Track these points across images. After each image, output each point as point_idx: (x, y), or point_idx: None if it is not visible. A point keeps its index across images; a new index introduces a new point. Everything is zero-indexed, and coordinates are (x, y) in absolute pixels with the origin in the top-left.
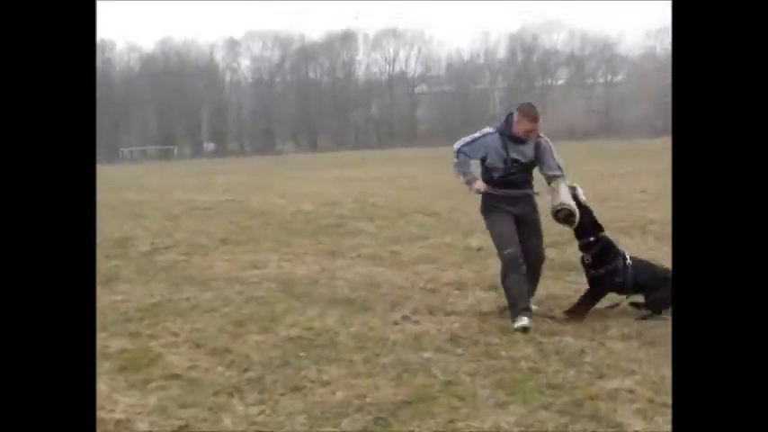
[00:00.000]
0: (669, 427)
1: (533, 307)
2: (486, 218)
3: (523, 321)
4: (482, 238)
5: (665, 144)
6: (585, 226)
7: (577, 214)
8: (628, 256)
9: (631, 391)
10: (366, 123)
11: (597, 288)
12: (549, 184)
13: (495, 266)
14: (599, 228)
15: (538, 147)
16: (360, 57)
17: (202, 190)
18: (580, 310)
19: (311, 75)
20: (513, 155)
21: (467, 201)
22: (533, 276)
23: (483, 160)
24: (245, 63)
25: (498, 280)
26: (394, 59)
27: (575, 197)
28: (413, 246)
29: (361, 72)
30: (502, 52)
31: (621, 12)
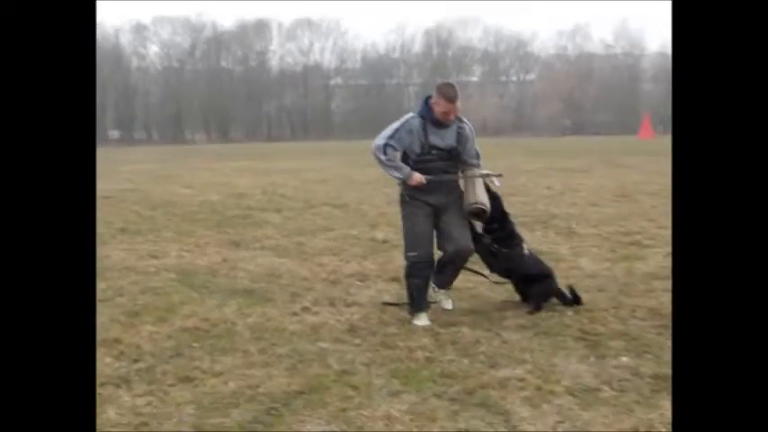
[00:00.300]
0: (555, 413)
1: (447, 304)
2: (401, 209)
3: (421, 320)
4: (387, 231)
5: (572, 142)
6: (494, 214)
7: (489, 212)
8: (526, 248)
9: (521, 380)
10: (279, 115)
11: (492, 261)
12: (463, 171)
13: (398, 258)
14: (506, 215)
15: (461, 133)
16: (274, 47)
17: (103, 178)
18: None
19: (223, 63)
20: (433, 139)
21: (375, 193)
22: (452, 268)
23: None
24: (153, 49)
25: (401, 273)
26: (309, 51)
27: (487, 186)
28: (318, 237)
29: (274, 62)
30: (417, 47)
31: (535, 11)
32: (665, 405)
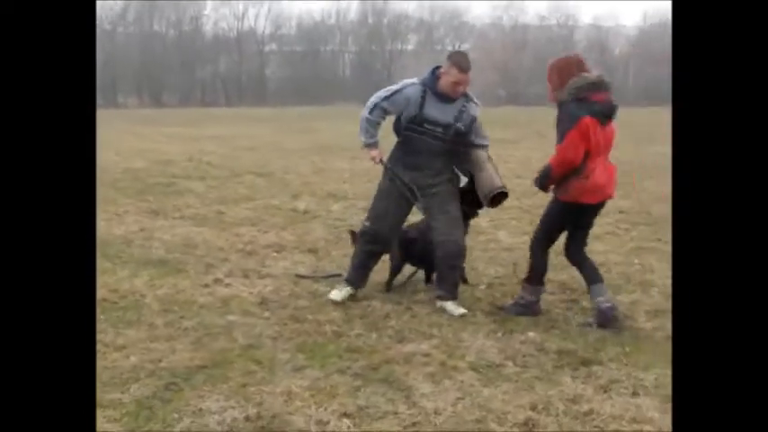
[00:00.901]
0: (456, 389)
1: (458, 310)
2: (381, 178)
3: (334, 294)
4: (309, 201)
5: (506, 113)
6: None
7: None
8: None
9: (426, 355)
10: (214, 80)
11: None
12: (475, 157)
13: (318, 230)
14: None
15: (464, 111)
16: (207, 11)
17: None
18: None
19: (156, 27)
20: (430, 112)
21: (302, 161)
22: (447, 269)
23: (398, 116)
24: None
25: (321, 244)
26: (243, 16)
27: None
28: (238, 207)
29: (209, 27)
30: (353, 14)
31: None
32: (566, 381)
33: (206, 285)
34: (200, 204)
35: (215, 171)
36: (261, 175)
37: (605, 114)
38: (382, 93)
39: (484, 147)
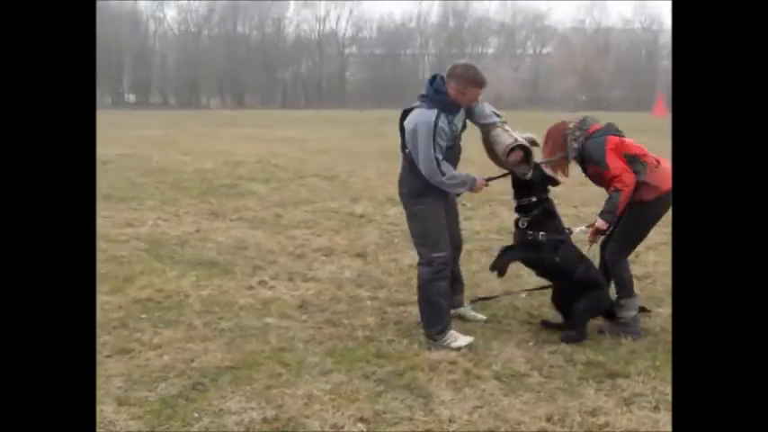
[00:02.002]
0: (475, 398)
1: (480, 315)
2: (415, 204)
3: (461, 340)
4: (367, 205)
5: None
6: (533, 182)
7: (532, 160)
8: (568, 234)
9: (453, 363)
10: (294, 82)
11: (519, 252)
12: (486, 135)
13: (370, 234)
14: (546, 187)
15: (468, 107)
16: (290, 14)
17: (108, 143)
18: (500, 265)
19: (240, 29)
20: (457, 124)
21: (369, 165)
22: (458, 268)
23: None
24: (170, 13)
25: (370, 249)
26: (325, 18)
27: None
28: (297, 210)
29: (291, 29)
30: (434, 17)
31: None
32: (589, 393)
33: (250, 287)
34: (260, 207)
35: (281, 173)
36: (325, 178)
37: (615, 131)
38: (429, 154)
39: (495, 123)
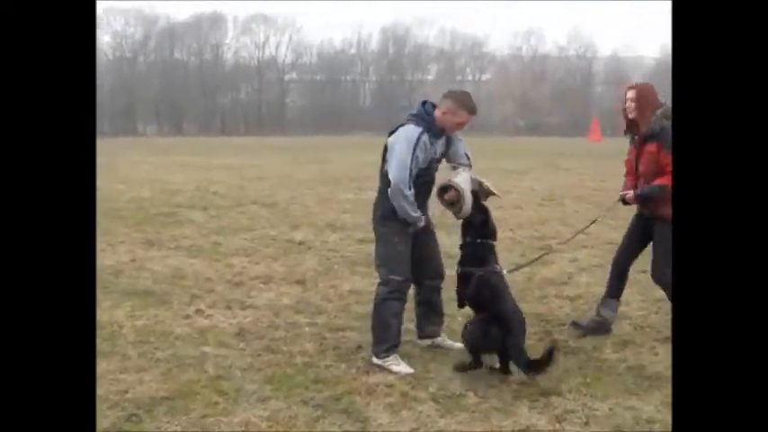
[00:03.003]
0: (412, 420)
1: (452, 344)
2: (381, 227)
3: (403, 367)
4: (307, 232)
5: (522, 143)
6: (474, 224)
7: (465, 202)
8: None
9: (390, 386)
10: (234, 108)
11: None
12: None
13: (309, 261)
14: (487, 232)
15: (450, 137)
16: (228, 40)
17: None
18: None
19: (177, 55)
20: (438, 149)
21: (309, 192)
22: (439, 297)
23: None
24: (105, 39)
25: (309, 275)
26: (264, 44)
27: (475, 193)
28: (236, 237)
29: (229, 55)
30: (374, 44)
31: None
32: (523, 412)
33: (186, 316)
34: (198, 234)
35: (219, 201)
36: (265, 205)
37: None
38: (405, 160)
39: (462, 164)
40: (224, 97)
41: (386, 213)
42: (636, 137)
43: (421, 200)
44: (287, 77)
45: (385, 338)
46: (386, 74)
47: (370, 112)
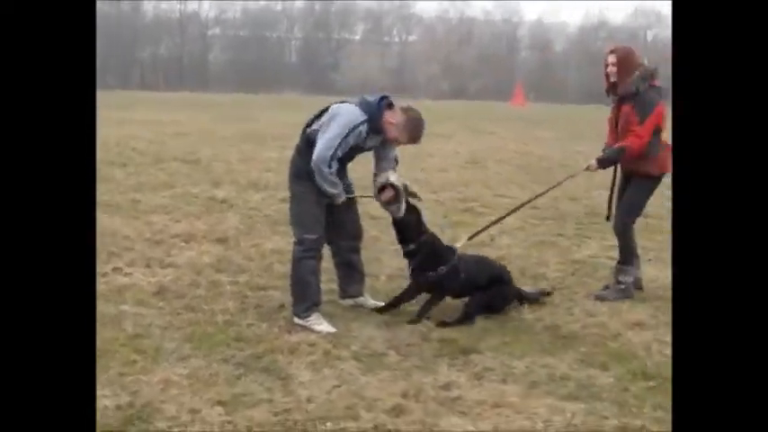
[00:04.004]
0: (334, 378)
1: (373, 302)
2: (295, 186)
3: (324, 325)
4: (230, 189)
5: (447, 106)
6: (408, 225)
7: (403, 200)
8: (456, 256)
9: (312, 345)
10: (154, 63)
11: (440, 290)
12: (375, 175)
13: (231, 219)
14: (421, 232)
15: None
16: None
17: None
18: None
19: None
20: (368, 144)
21: (231, 150)
22: (358, 257)
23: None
24: None
25: (231, 234)
26: None
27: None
28: (156, 195)
29: (150, 7)
30: (300, 1)
31: None
32: (443, 369)
33: (104, 274)
34: (117, 191)
35: (139, 157)
36: (186, 162)
37: (664, 95)
38: (332, 139)
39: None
40: (143, 51)
41: (300, 172)
42: (615, 97)
43: (341, 171)
44: (210, 32)
45: (305, 297)
46: (312, 31)
47: (296, 70)
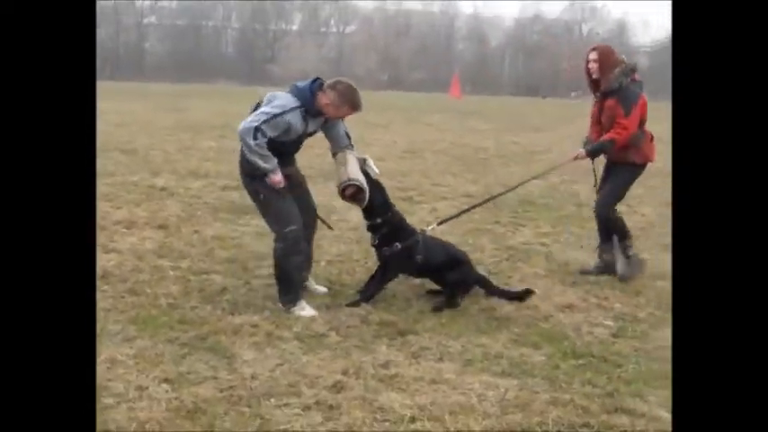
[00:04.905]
0: (277, 357)
1: (317, 287)
2: (252, 183)
3: (307, 310)
4: (168, 178)
5: (385, 97)
6: (375, 204)
7: (367, 191)
8: (419, 236)
9: (255, 326)
10: None
11: (388, 270)
12: (334, 155)
13: (172, 207)
14: (388, 206)
15: (328, 121)
16: None
17: None
18: (368, 294)
19: None
20: (310, 128)
21: (169, 139)
22: (310, 246)
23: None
24: None
25: (172, 221)
26: None
27: (364, 171)
28: (97, 182)
29: None
30: None
31: None
32: (382, 349)
33: None
34: None
35: None
36: (124, 151)
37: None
38: (260, 115)
39: (343, 148)
40: None
41: (248, 170)
42: (597, 93)
43: (287, 159)
44: (146, 21)
45: (290, 290)
46: (249, 21)
47: (233, 61)
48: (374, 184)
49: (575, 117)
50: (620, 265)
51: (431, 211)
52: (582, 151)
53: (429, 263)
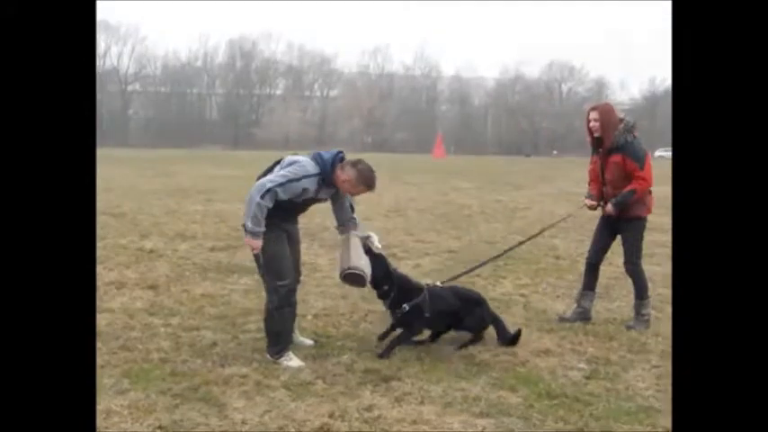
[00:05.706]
0: (266, 404)
1: (303, 340)
2: (266, 235)
3: (295, 361)
4: (157, 240)
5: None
6: (378, 277)
7: (367, 276)
8: (426, 293)
9: (244, 377)
10: None
11: (405, 330)
12: (338, 228)
13: (161, 268)
14: (390, 274)
15: (339, 191)
16: None
17: None
18: (387, 350)
19: None
20: (321, 195)
21: (156, 203)
22: (293, 297)
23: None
24: None
25: (162, 281)
26: (105, 54)
27: (367, 248)
28: None
29: None
30: (221, 57)
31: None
32: (366, 394)
33: None
34: None
35: None
36: (113, 215)
37: None
38: (277, 178)
39: (347, 226)
40: None
41: None
42: (600, 150)
43: (292, 217)
44: (130, 88)
45: (279, 341)
46: (233, 87)
47: (217, 126)
48: (376, 258)
49: (555, 176)
50: (634, 321)
51: (414, 267)
52: (609, 207)
53: (441, 313)
